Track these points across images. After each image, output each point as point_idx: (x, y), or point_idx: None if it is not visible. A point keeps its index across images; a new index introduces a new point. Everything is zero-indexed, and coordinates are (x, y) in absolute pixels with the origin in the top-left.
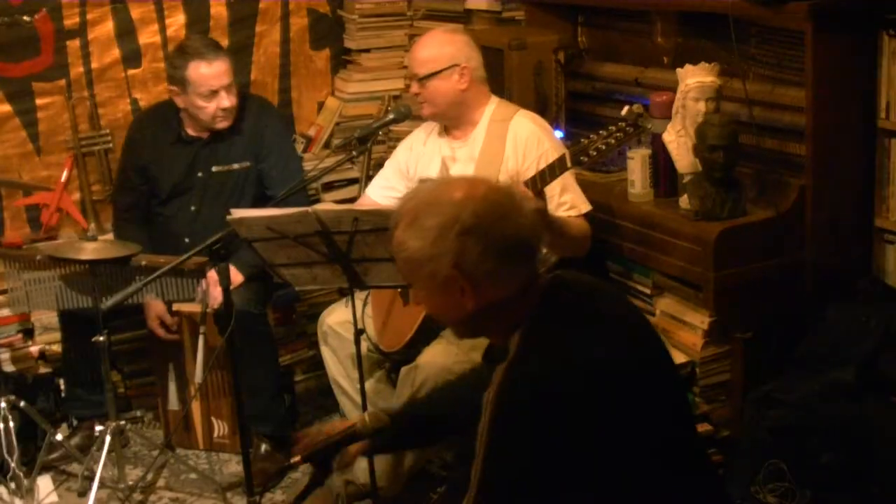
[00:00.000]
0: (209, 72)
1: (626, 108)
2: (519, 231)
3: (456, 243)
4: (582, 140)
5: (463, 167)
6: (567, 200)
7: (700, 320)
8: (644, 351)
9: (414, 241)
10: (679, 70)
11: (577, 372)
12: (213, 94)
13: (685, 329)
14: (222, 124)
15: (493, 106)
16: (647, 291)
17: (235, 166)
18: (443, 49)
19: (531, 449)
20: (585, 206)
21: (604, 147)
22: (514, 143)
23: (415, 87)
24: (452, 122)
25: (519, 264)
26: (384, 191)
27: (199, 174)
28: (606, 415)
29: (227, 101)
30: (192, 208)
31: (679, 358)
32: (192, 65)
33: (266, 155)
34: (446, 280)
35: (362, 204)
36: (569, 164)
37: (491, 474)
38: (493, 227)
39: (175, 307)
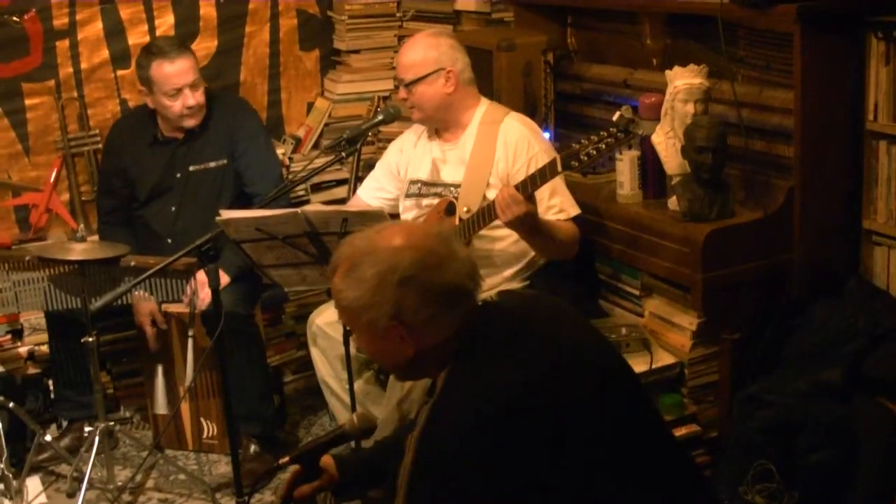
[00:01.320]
0: (171, 70)
1: (617, 114)
2: (455, 277)
3: (394, 293)
4: (573, 144)
5: (453, 169)
6: (556, 204)
7: (688, 321)
8: (580, 368)
9: (352, 290)
10: (668, 72)
11: (499, 407)
12: (178, 92)
13: (673, 330)
14: (190, 122)
15: (483, 108)
16: (636, 293)
17: (212, 165)
18: (427, 53)
19: (450, 493)
20: (574, 210)
21: (595, 152)
22: (505, 146)
23: (402, 93)
24: (442, 125)
25: (455, 308)
26: (375, 192)
27: (178, 175)
28: (538, 443)
29: (192, 98)
30: (172, 209)
31: (667, 359)
32: (154, 64)
33: (241, 153)
34: (386, 329)
35: (352, 205)
36: (559, 169)
37: None
38: (430, 276)
39: (163, 308)
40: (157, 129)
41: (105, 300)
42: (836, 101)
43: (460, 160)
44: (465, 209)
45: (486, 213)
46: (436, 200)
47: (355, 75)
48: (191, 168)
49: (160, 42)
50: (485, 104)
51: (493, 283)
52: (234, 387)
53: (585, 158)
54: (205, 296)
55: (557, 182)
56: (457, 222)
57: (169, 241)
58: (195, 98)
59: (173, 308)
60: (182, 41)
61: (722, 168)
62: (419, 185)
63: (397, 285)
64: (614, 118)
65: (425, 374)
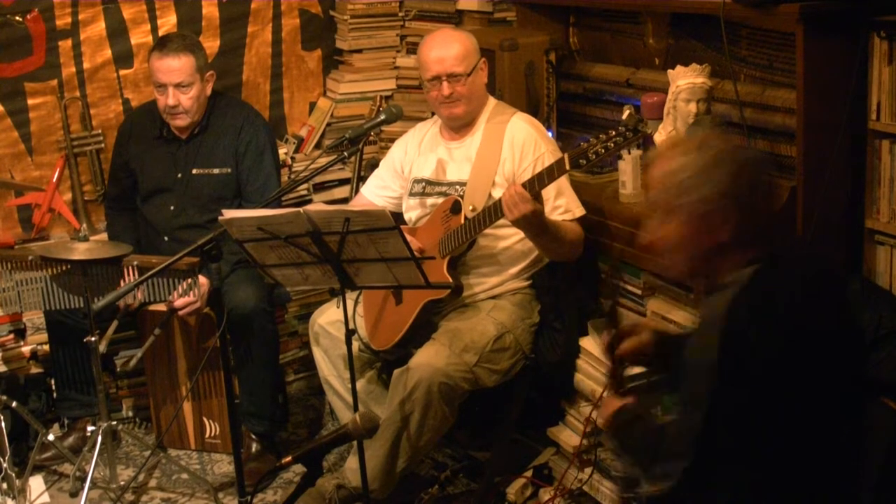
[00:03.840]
0: (158, 65)
1: (626, 113)
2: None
3: (730, 173)
4: (581, 143)
5: (458, 168)
6: (562, 204)
7: (691, 320)
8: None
9: (685, 169)
10: (670, 71)
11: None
12: (162, 87)
13: (676, 329)
14: (174, 122)
15: (490, 107)
16: (638, 292)
17: (216, 171)
18: (470, 44)
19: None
20: (580, 211)
21: (603, 151)
22: (511, 146)
23: (447, 88)
24: (467, 119)
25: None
26: (379, 190)
27: (179, 175)
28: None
29: (171, 98)
30: (171, 208)
31: None
32: (152, 54)
33: (247, 167)
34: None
35: (356, 204)
36: (567, 167)
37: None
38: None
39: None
40: (164, 125)
41: (107, 300)
42: (839, 100)
43: (466, 158)
44: (470, 208)
45: (493, 212)
46: (440, 200)
47: (357, 75)
48: (193, 171)
49: (171, 35)
50: (492, 103)
51: (497, 282)
52: (247, 383)
53: (593, 157)
54: (196, 300)
55: (563, 183)
56: (462, 221)
57: (166, 238)
58: (174, 98)
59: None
60: (192, 41)
61: None
62: (423, 184)
63: (734, 171)
64: (623, 117)
65: (713, 271)
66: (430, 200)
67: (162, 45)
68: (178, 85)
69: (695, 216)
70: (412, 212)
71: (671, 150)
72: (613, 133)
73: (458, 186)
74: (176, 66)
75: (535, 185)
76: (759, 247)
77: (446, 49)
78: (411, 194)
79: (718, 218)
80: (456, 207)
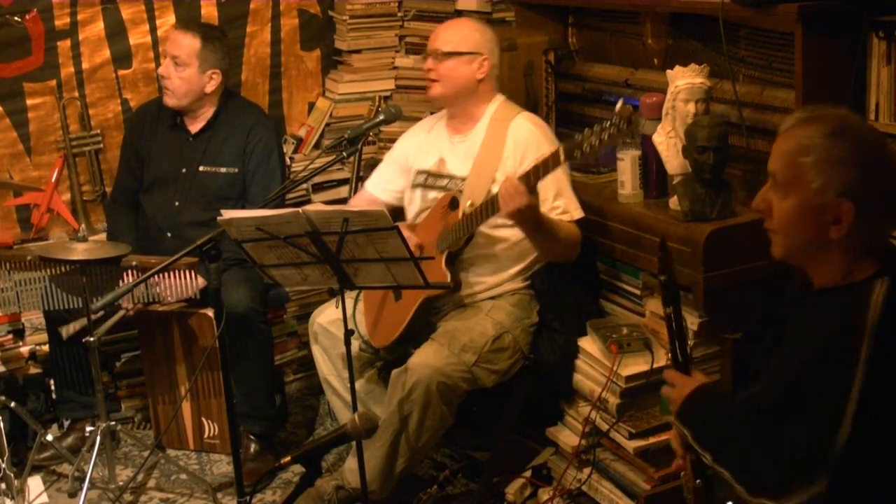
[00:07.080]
0: (171, 33)
1: (619, 105)
2: None
3: (861, 176)
4: (575, 136)
5: (460, 163)
6: (560, 205)
7: (690, 321)
8: None
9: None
10: (669, 71)
11: None
12: (165, 57)
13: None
14: (165, 97)
15: (496, 104)
16: (637, 292)
17: (223, 170)
18: (471, 34)
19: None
20: (578, 213)
21: (597, 143)
22: (514, 144)
23: (429, 63)
24: (454, 109)
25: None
26: (383, 184)
27: (183, 170)
28: None
29: (164, 68)
30: (176, 203)
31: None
32: None
33: (252, 168)
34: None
35: (359, 199)
36: (562, 159)
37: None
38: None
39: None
40: (178, 114)
41: (106, 300)
42: (837, 100)
43: (468, 155)
44: (468, 203)
45: (490, 206)
46: (441, 194)
47: (356, 75)
48: (200, 168)
49: (207, 23)
50: (498, 100)
51: (495, 282)
52: (241, 384)
53: (588, 149)
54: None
55: (564, 184)
56: (460, 216)
57: (169, 234)
58: (166, 70)
59: (173, 305)
60: (212, 33)
61: (723, 168)
62: (425, 175)
63: (866, 171)
64: (616, 109)
65: (813, 266)
66: (431, 194)
67: (188, 23)
68: (174, 58)
69: (807, 205)
70: (413, 205)
71: (808, 124)
72: (607, 124)
73: (459, 180)
74: (179, 40)
75: (531, 178)
76: (882, 259)
77: (448, 28)
78: (414, 185)
79: (830, 216)
80: (454, 203)
